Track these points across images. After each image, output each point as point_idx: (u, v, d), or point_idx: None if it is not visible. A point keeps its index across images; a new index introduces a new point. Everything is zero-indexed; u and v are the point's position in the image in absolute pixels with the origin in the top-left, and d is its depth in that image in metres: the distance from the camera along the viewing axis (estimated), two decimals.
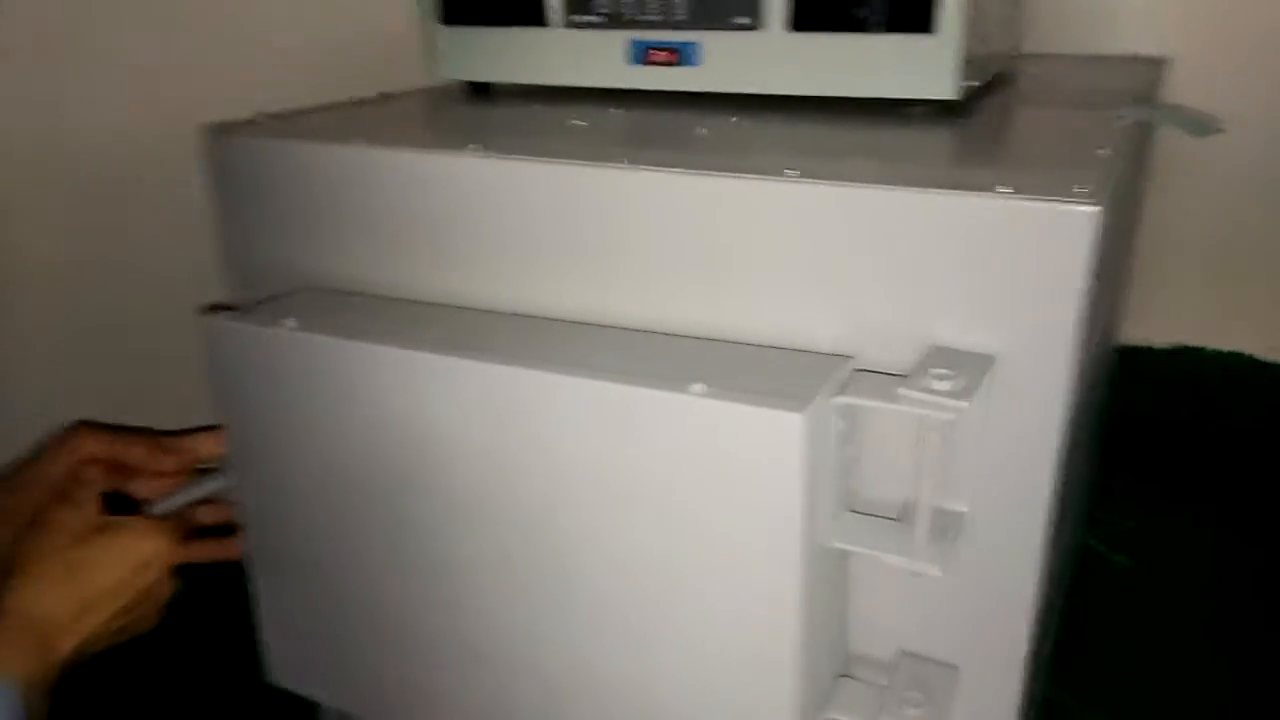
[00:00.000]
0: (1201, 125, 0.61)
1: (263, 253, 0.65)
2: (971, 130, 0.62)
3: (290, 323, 0.55)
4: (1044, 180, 0.44)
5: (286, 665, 0.66)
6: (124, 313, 0.80)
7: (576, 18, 0.70)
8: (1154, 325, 1.05)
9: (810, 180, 0.47)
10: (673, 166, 0.50)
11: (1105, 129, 0.58)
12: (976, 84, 0.67)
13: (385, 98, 0.78)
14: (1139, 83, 0.80)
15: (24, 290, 0.72)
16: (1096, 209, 0.41)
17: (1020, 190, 0.43)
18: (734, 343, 0.50)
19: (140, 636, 0.54)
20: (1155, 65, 0.87)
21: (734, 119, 0.64)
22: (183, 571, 0.56)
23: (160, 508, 0.58)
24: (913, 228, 0.45)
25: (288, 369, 0.55)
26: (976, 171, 0.48)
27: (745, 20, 0.66)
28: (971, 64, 0.65)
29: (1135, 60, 0.89)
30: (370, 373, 0.52)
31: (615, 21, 0.69)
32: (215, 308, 0.59)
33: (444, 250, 0.58)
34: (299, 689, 0.67)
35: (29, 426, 0.60)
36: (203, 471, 0.62)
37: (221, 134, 0.64)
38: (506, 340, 0.51)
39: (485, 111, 0.73)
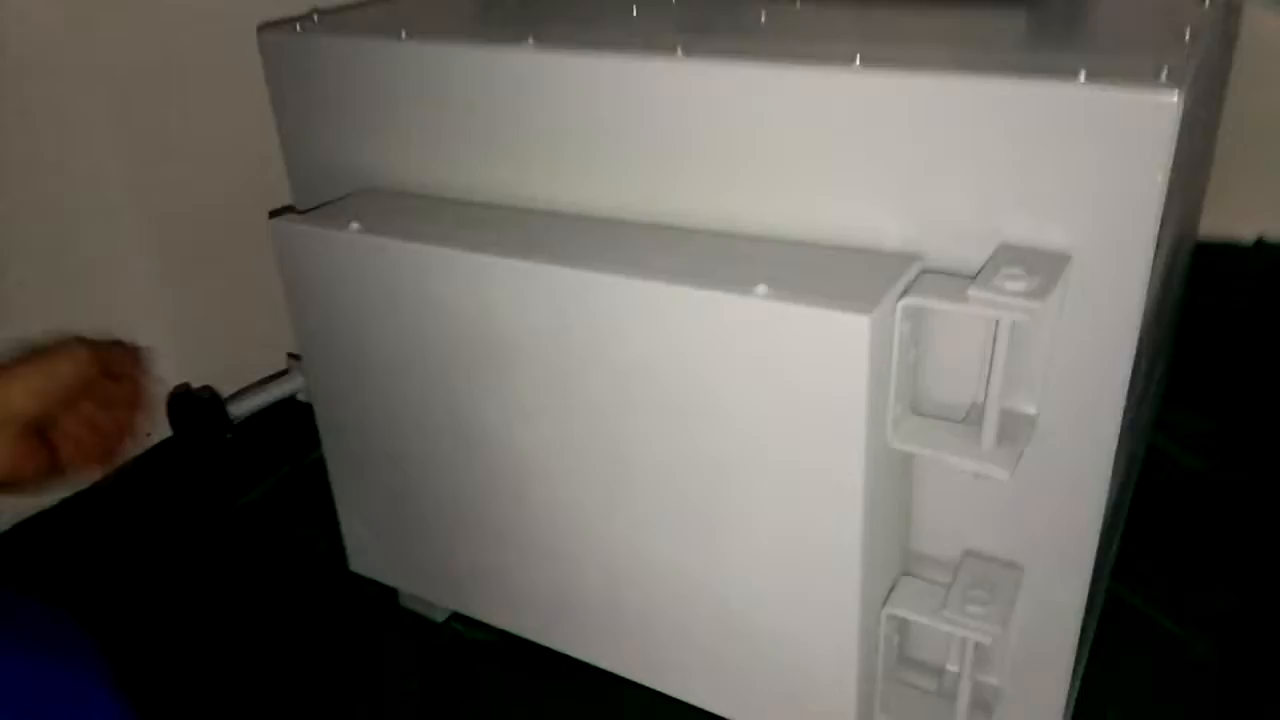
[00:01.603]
0: None
1: (322, 153, 0.65)
2: (1047, 11, 0.58)
3: (354, 225, 0.55)
4: (1121, 65, 0.42)
5: (364, 555, 0.69)
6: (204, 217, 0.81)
7: None
8: (1234, 218, 1.00)
9: (872, 68, 0.45)
10: (728, 56, 0.48)
11: (1190, 8, 0.54)
12: None
13: None
14: None
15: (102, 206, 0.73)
16: (1177, 97, 0.39)
17: (1095, 76, 0.41)
18: (796, 243, 0.49)
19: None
20: None
21: (796, 3, 0.61)
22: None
23: (238, 409, 0.60)
24: (981, 117, 0.43)
25: (355, 270, 0.56)
26: (1050, 56, 0.46)
27: None
28: None
29: None
30: (436, 274, 0.53)
31: None
32: (282, 212, 0.60)
33: (500, 146, 0.57)
34: (377, 576, 0.70)
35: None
36: (278, 374, 0.64)
37: (275, 32, 0.63)
38: (567, 242, 0.51)
39: (538, 2, 0.71)
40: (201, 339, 0.77)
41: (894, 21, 0.57)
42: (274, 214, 0.59)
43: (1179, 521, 0.84)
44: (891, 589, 0.51)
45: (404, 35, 0.58)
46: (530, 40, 0.54)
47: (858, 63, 0.45)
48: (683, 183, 0.52)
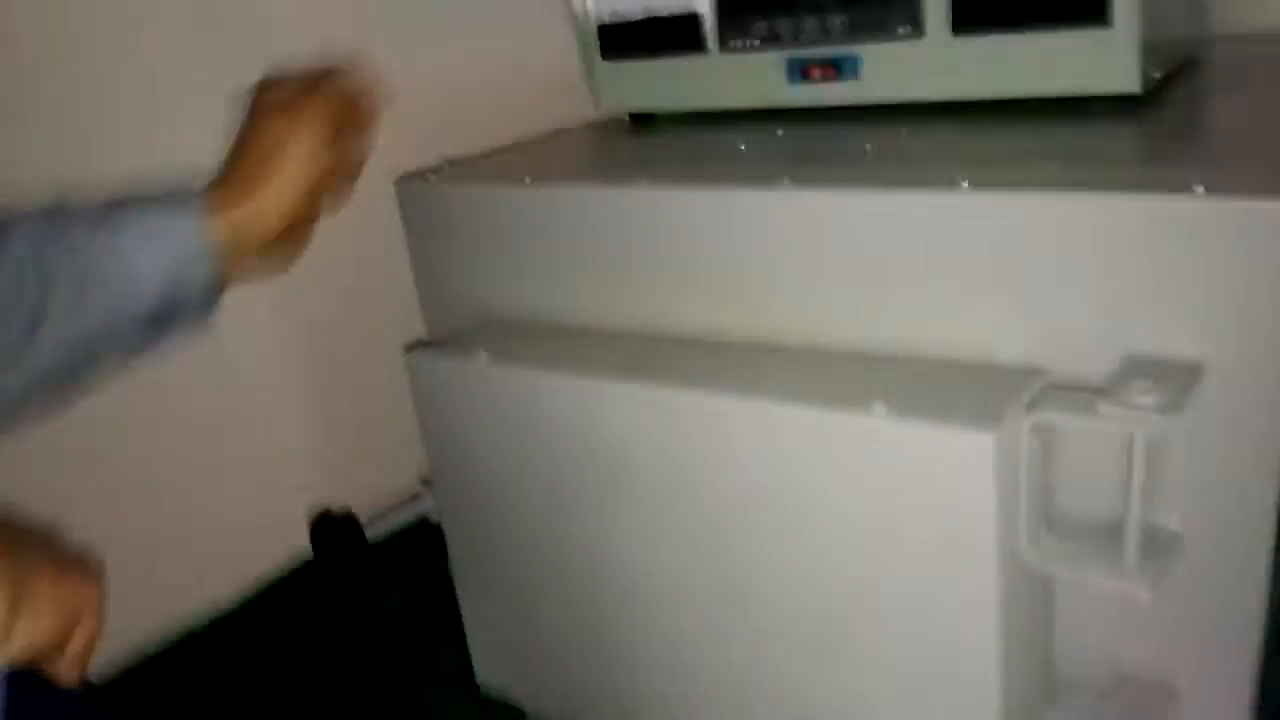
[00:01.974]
0: None
1: (452, 289, 0.69)
2: (1159, 124, 0.58)
3: (482, 356, 0.58)
4: (1241, 175, 0.42)
5: (493, 672, 0.70)
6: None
7: (733, 42, 0.71)
8: None
9: (989, 189, 0.46)
10: (839, 184, 0.50)
11: None
12: (1160, 75, 0.63)
13: (558, 133, 0.82)
14: None
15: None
16: None
17: (1215, 188, 0.41)
18: (913, 360, 0.49)
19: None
20: None
21: (903, 130, 0.63)
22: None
23: (375, 531, 0.63)
24: (1101, 233, 0.43)
25: (482, 397, 0.59)
26: (1167, 169, 0.46)
27: (906, 28, 0.65)
28: (1153, 53, 0.62)
29: None
30: (558, 399, 0.55)
31: (772, 42, 0.70)
32: (416, 345, 0.64)
33: (620, 279, 0.60)
34: (504, 693, 0.70)
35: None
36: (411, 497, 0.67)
37: (411, 183, 0.69)
38: (684, 365, 0.53)
39: (649, 141, 0.75)
40: (340, 464, 0.82)
41: (1002, 142, 0.59)
42: (409, 348, 0.62)
43: None
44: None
45: (528, 181, 0.62)
46: (644, 179, 0.57)
47: (967, 184, 0.47)
48: (802, 306, 0.54)
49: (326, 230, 0.77)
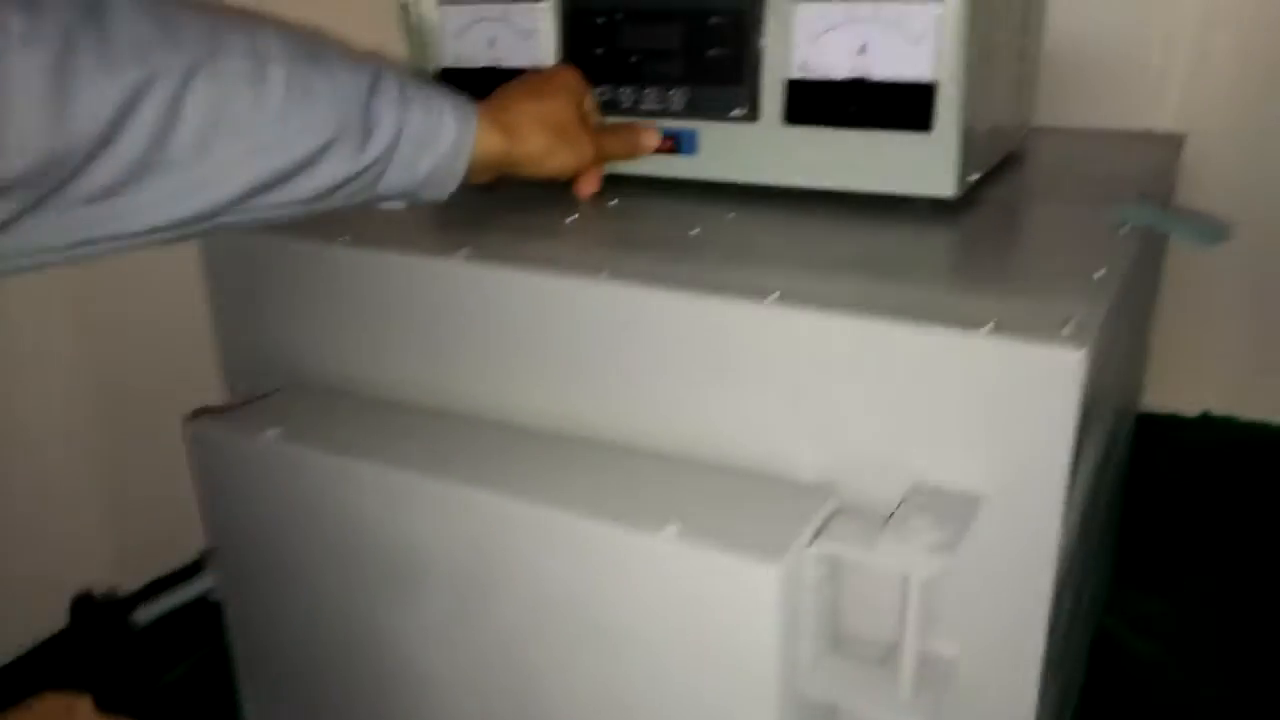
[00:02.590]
0: (1211, 234, 0.59)
1: (259, 349, 0.65)
2: (969, 232, 0.60)
3: (272, 432, 0.54)
4: (1032, 313, 0.43)
5: None
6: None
7: None
8: (1177, 392, 1.02)
9: (793, 305, 0.46)
10: (652, 281, 0.49)
11: (1107, 237, 0.56)
12: (977, 176, 0.65)
13: None
14: (1151, 166, 0.77)
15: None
16: (1083, 354, 0.39)
17: (1006, 326, 0.41)
18: (713, 467, 0.48)
19: None
20: (1170, 143, 0.85)
21: (730, 215, 0.63)
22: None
23: (146, 614, 0.58)
24: (891, 359, 0.44)
25: (269, 477, 0.55)
26: (965, 297, 0.47)
27: (741, 111, 0.64)
28: (973, 158, 0.63)
29: (1149, 138, 0.87)
30: (348, 487, 0.52)
31: (612, 108, 0.69)
32: (201, 412, 0.59)
33: (430, 350, 0.57)
34: None
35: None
36: (193, 569, 0.62)
37: None
38: (484, 459, 0.50)
39: (483, 199, 0.72)
40: (118, 538, 0.75)
41: (820, 238, 0.59)
42: (192, 415, 0.58)
43: (1133, 712, 0.82)
44: None
45: (345, 239, 0.59)
46: (462, 252, 0.55)
47: (775, 297, 0.46)
48: (608, 398, 0.52)
49: (121, 273, 0.71)
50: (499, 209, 0.66)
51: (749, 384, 0.48)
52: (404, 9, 0.74)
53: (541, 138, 0.57)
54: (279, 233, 0.62)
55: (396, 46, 0.76)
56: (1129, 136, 0.87)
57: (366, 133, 0.46)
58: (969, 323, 0.42)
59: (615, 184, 0.69)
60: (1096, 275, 0.48)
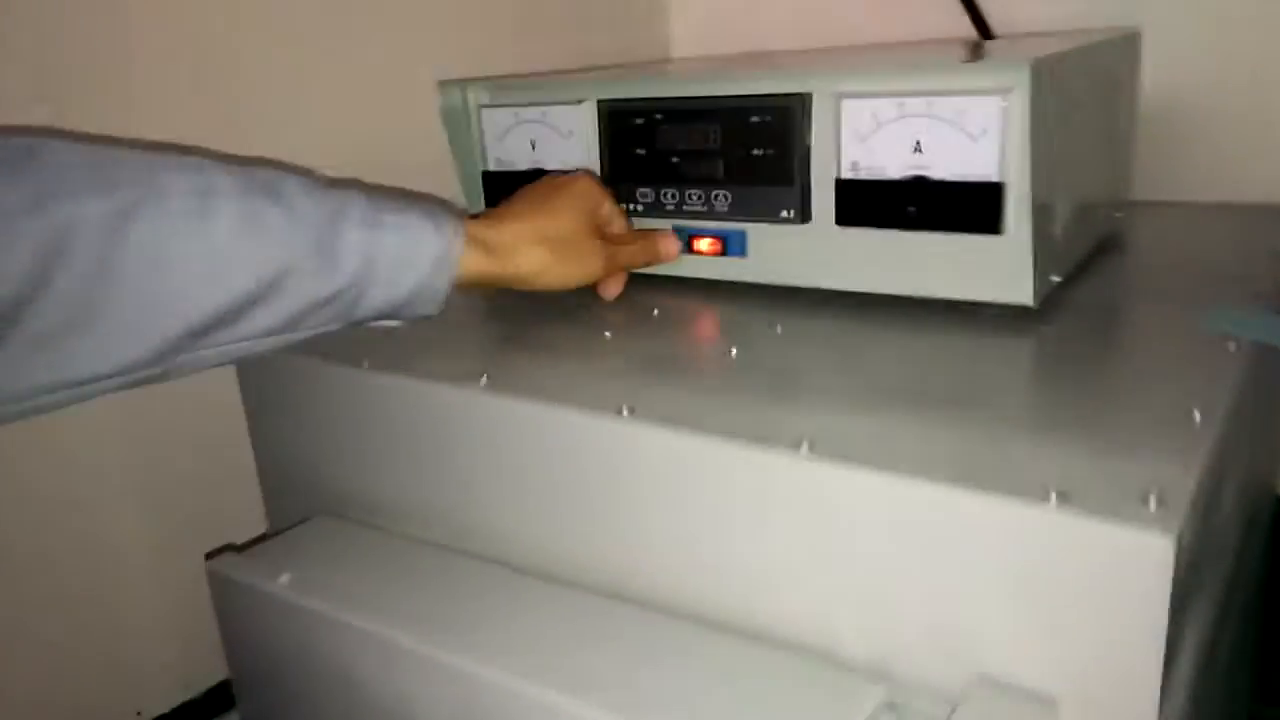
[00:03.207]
0: None
1: (290, 466, 0.63)
2: (1047, 348, 0.53)
3: (285, 578, 0.51)
4: (1113, 473, 0.36)
5: None
6: None
7: (620, 204, 0.66)
8: None
9: (826, 460, 0.40)
10: (676, 422, 0.44)
11: (1212, 354, 0.48)
12: (1060, 278, 0.58)
13: None
14: (1271, 245, 0.68)
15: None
16: (1170, 540, 0.33)
17: (1076, 494, 0.35)
18: (739, 638, 0.43)
19: None
20: None
21: (778, 327, 0.58)
22: None
23: None
24: (948, 524, 0.37)
25: (278, 622, 0.52)
26: (1037, 445, 0.40)
27: (790, 213, 0.60)
28: (1053, 258, 0.57)
29: (1269, 211, 0.77)
30: (347, 642, 0.48)
31: (656, 210, 0.65)
32: (226, 549, 0.57)
33: (449, 481, 0.54)
34: None
35: None
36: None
37: None
38: (488, 618, 0.46)
39: (517, 311, 0.69)
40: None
41: (877, 358, 0.53)
42: (212, 554, 0.56)
43: None
44: None
45: (365, 365, 0.56)
46: (482, 379, 0.51)
47: (806, 450, 0.41)
48: (621, 545, 0.48)
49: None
50: (538, 319, 0.63)
51: (782, 542, 0.42)
52: (446, 115, 0.73)
53: (536, 255, 0.55)
54: (308, 353, 0.60)
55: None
56: (1246, 210, 0.77)
57: (331, 259, 0.44)
58: (1033, 487, 0.36)
59: (663, 285, 0.65)
60: (1196, 416, 0.41)
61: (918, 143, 0.54)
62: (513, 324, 0.64)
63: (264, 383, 0.63)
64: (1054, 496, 0.35)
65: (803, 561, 0.42)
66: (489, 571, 0.51)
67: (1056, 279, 0.58)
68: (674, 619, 0.45)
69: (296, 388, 0.60)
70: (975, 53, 0.67)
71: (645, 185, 0.65)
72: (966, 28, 0.88)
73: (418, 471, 0.55)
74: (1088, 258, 0.65)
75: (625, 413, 0.46)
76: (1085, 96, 0.61)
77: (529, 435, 0.49)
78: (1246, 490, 0.59)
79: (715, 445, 0.43)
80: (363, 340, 0.56)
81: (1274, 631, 0.82)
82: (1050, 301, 0.57)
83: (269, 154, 0.66)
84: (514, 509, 0.51)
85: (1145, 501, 0.34)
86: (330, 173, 0.71)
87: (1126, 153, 0.73)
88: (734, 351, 0.54)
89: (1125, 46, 0.70)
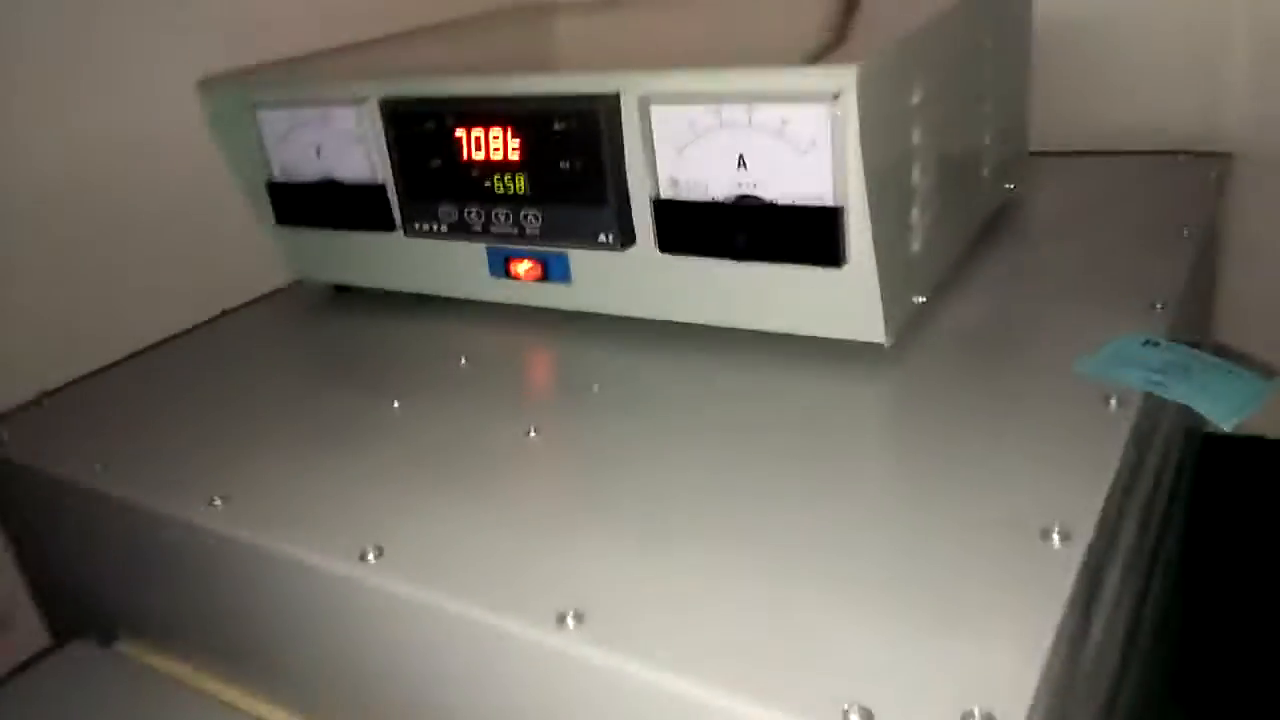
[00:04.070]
0: (1254, 393, 0.41)
1: (59, 574, 0.54)
2: (900, 405, 0.45)
3: None
4: (934, 689, 0.28)
5: None
6: None
7: (420, 224, 0.56)
8: None
9: (595, 645, 0.32)
10: (423, 582, 0.36)
11: (1089, 426, 0.40)
12: (923, 298, 0.49)
13: (221, 321, 0.65)
14: (1180, 207, 0.59)
15: None
16: None
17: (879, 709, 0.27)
18: None
19: None
20: (1209, 166, 0.66)
21: (595, 386, 0.49)
22: None
23: None
24: None
25: None
26: (848, 624, 0.32)
27: (609, 238, 0.50)
28: (910, 284, 0.48)
29: (1182, 161, 0.68)
30: None
31: (462, 232, 0.54)
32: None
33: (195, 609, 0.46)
34: None
35: None
36: None
37: None
38: None
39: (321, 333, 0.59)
40: None
41: (694, 428, 0.44)
42: None
43: None
44: None
45: (98, 469, 0.47)
46: (216, 501, 0.42)
47: (570, 625, 0.32)
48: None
49: None
50: (330, 373, 0.53)
51: None
52: (212, 119, 0.61)
53: None
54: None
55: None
56: (1150, 162, 0.68)
57: None
58: (825, 704, 0.28)
59: (484, 315, 0.56)
60: (1055, 542, 0.33)
61: (740, 157, 0.44)
62: (307, 372, 0.54)
63: (15, 487, 0.53)
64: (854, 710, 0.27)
65: None
66: None
67: (920, 299, 0.49)
68: None
69: (43, 494, 0.51)
70: (819, 36, 0.55)
71: (446, 202, 0.54)
72: None
73: (152, 593, 0.47)
74: (968, 248, 0.56)
75: (371, 558, 0.37)
76: (951, 70, 0.50)
77: (256, 576, 0.41)
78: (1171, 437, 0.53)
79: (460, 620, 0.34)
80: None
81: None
82: (913, 324, 0.48)
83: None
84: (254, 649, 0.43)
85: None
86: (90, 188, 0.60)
87: (1019, 109, 0.63)
88: (532, 433, 0.45)
89: (988, 4, 0.59)
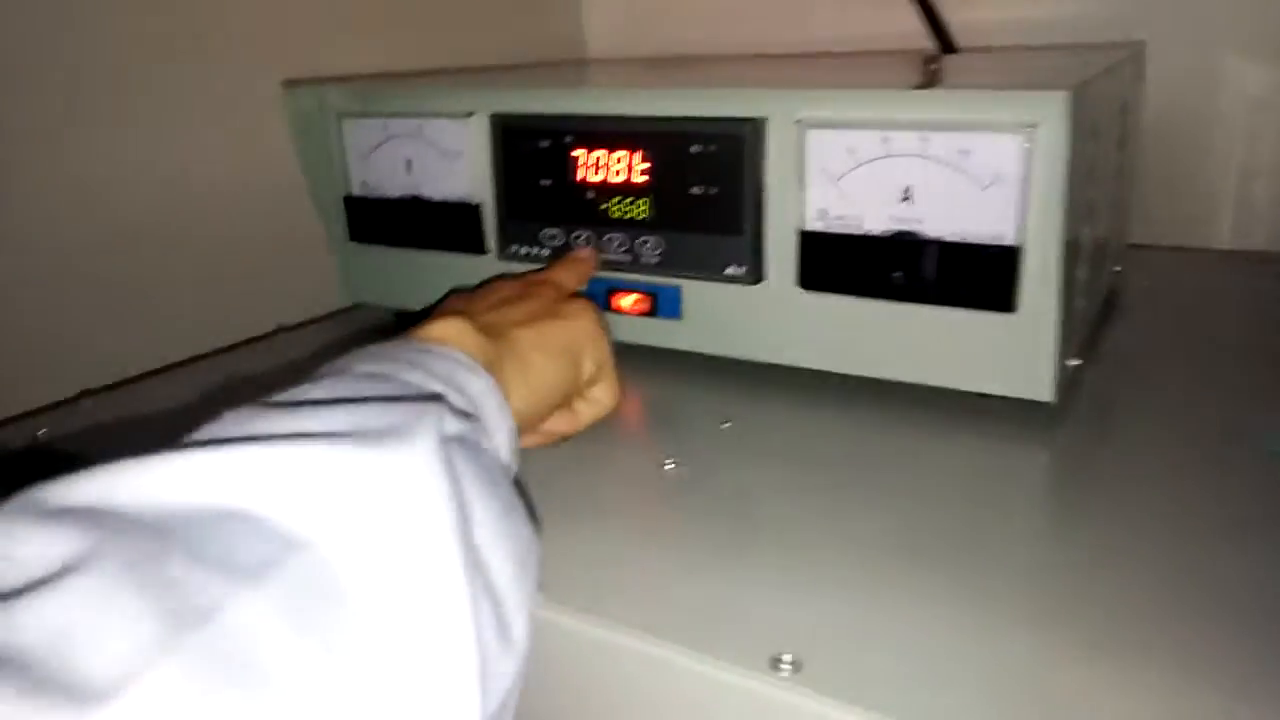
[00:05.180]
0: None
1: None
2: (1060, 473, 0.41)
3: None
4: None
5: None
6: None
7: (516, 247, 0.52)
8: None
9: (818, 694, 0.27)
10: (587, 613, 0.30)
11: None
12: (1078, 361, 0.46)
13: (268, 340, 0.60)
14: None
15: None
16: None
17: None
18: None
19: None
20: None
21: (726, 424, 0.44)
22: None
23: None
24: None
25: None
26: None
27: (738, 270, 0.46)
28: (1071, 337, 0.45)
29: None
30: None
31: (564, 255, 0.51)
32: None
33: None
34: None
35: None
36: None
37: None
38: None
39: None
40: None
41: (832, 489, 0.40)
42: None
43: None
44: None
45: None
46: None
47: (787, 671, 0.27)
48: None
49: None
50: None
51: None
52: (296, 125, 0.57)
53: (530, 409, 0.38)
54: None
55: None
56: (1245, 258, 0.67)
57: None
58: None
59: None
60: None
61: (907, 189, 0.41)
62: None
63: None
64: None
65: None
66: None
67: (1075, 363, 0.46)
68: None
69: None
70: (937, 71, 0.54)
71: (552, 224, 0.51)
72: (920, 37, 0.76)
73: None
74: (1096, 327, 0.54)
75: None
76: (1104, 131, 0.49)
77: None
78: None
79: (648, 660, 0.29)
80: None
81: None
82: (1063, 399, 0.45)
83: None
84: None
85: None
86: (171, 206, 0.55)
87: (1129, 191, 0.62)
88: (668, 465, 0.40)
89: (1133, 65, 0.59)
